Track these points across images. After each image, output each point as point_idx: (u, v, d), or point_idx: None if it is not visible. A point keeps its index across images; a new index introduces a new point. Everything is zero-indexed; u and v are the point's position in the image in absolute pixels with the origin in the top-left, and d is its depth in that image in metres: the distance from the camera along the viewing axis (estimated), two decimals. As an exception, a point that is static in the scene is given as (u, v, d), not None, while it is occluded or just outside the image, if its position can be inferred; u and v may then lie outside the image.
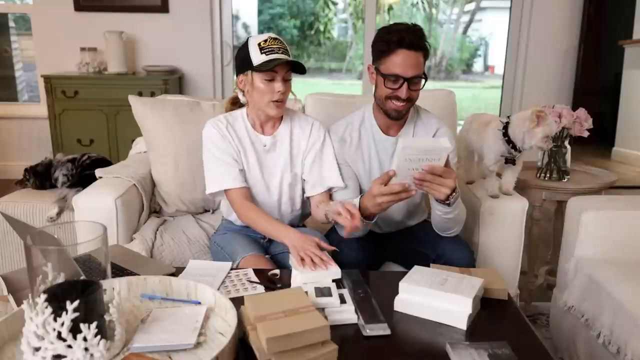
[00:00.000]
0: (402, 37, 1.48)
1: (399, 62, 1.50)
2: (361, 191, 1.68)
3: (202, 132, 1.66)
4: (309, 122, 1.70)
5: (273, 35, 1.56)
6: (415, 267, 1.33)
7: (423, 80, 1.54)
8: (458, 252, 1.57)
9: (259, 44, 1.53)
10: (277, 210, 1.71)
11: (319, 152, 1.67)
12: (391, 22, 1.83)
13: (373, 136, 1.66)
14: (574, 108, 2.13)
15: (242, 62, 1.56)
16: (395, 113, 1.57)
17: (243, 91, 1.62)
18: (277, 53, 1.52)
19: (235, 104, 1.71)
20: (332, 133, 1.70)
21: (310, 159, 1.68)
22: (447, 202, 1.44)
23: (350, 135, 1.67)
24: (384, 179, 1.39)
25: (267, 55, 1.52)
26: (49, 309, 0.89)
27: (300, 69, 1.57)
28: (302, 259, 1.34)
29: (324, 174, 1.67)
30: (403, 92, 1.51)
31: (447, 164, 1.38)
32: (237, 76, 1.62)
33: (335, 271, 1.33)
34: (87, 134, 3.64)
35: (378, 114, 1.65)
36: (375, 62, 1.56)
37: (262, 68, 1.51)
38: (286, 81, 1.57)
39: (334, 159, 1.67)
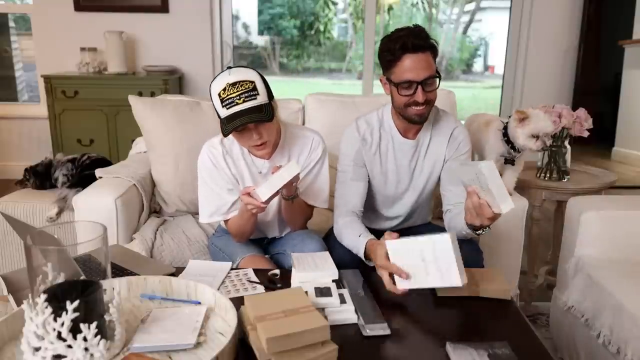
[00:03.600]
0: (405, 43, 1.44)
1: (408, 67, 1.45)
2: (372, 192, 1.66)
3: (199, 157, 1.61)
4: (308, 139, 1.64)
5: (232, 79, 1.41)
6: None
7: (437, 80, 1.49)
8: (468, 254, 1.55)
9: (219, 95, 1.42)
10: (276, 224, 1.70)
11: (314, 169, 1.64)
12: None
13: (392, 139, 1.63)
14: (574, 108, 2.13)
15: (214, 109, 1.48)
16: (418, 117, 1.53)
17: None
18: (237, 104, 1.40)
19: None
20: (354, 130, 1.63)
21: (303, 174, 1.63)
22: (477, 232, 1.41)
23: (372, 135, 1.63)
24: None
25: (227, 108, 1.41)
26: (49, 309, 0.89)
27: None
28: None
29: (312, 191, 1.64)
30: (419, 96, 1.47)
31: (495, 216, 1.29)
32: None
33: (332, 271, 1.34)
34: (87, 134, 3.64)
35: (397, 118, 1.61)
36: (386, 72, 1.53)
37: (224, 133, 1.44)
38: (262, 124, 1.45)
39: (327, 178, 1.65)
